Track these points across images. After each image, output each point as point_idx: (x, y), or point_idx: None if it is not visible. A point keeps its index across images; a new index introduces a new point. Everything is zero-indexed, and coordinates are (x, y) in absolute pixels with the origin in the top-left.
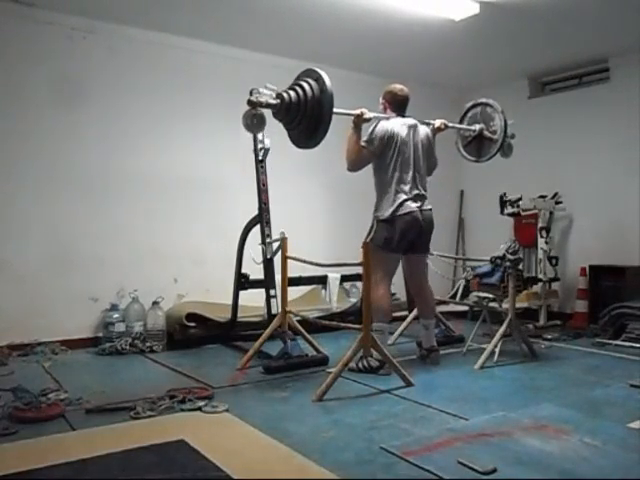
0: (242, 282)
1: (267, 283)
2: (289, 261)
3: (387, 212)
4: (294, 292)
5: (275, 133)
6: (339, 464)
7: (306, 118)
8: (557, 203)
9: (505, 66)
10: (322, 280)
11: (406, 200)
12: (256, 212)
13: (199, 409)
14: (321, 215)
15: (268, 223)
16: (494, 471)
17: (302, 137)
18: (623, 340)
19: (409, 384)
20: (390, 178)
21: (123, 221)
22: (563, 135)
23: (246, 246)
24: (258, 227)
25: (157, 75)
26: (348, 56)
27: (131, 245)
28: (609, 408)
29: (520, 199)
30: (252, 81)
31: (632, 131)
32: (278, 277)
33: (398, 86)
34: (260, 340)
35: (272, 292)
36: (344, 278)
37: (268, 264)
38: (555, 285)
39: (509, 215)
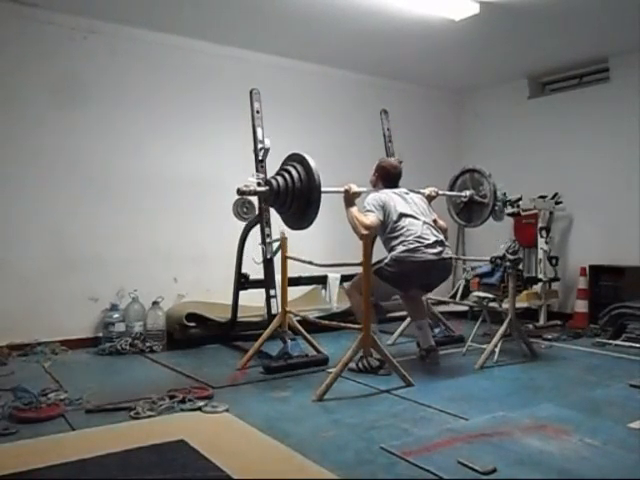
0: (242, 282)
1: (267, 283)
2: (289, 261)
3: (399, 252)
4: (294, 292)
5: (275, 133)
6: (339, 464)
7: (296, 201)
8: (557, 203)
9: (505, 66)
10: (322, 280)
11: (420, 247)
12: (256, 212)
13: (199, 409)
14: (321, 215)
15: (268, 223)
16: (494, 471)
17: (294, 219)
18: (623, 340)
19: (409, 384)
20: (398, 231)
21: (123, 221)
22: (563, 135)
23: (246, 246)
24: (258, 227)
25: (158, 75)
26: (348, 56)
27: (131, 245)
28: (609, 408)
29: (520, 199)
30: (253, 81)
31: (632, 131)
32: (278, 277)
33: (391, 162)
34: (260, 340)
35: (272, 292)
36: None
37: (268, 264)
38: (555, 285)
39: (509, 215)
